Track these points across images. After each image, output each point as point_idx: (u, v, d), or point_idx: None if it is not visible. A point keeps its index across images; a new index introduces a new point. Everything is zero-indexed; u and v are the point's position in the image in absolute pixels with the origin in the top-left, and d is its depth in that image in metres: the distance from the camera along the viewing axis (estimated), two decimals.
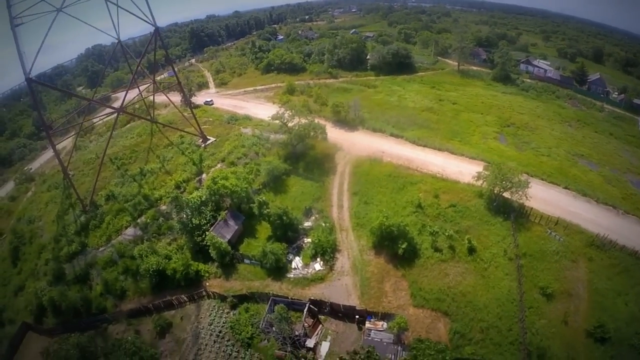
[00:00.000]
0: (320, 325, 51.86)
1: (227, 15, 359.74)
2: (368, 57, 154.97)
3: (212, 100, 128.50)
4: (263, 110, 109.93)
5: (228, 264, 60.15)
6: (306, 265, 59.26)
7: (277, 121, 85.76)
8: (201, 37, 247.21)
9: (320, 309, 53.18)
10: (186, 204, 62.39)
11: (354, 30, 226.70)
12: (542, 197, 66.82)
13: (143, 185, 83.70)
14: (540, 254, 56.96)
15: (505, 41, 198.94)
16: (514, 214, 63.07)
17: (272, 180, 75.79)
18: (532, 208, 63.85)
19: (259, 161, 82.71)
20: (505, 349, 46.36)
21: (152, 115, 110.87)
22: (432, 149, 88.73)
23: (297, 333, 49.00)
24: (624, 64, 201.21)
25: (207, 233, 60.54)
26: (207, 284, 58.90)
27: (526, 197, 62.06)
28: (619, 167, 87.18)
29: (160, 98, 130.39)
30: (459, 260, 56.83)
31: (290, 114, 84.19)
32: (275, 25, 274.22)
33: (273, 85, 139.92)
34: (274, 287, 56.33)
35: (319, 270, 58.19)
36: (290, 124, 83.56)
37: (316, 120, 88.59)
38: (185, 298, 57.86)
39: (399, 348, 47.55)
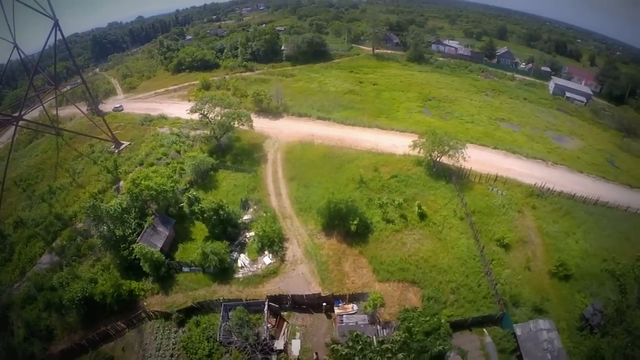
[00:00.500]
0: (285, 323, 46.01)
1: (131, 22, 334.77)
2: (283, 47, 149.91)
3: (121, 106, 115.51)
4: (178, 109, 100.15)
5: (165, 276, 51.47)
6: (254, 261, 53.04)
7: (196, 114, 77.84)
8: (104, 45, 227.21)
9: (282, 305, 47.38)
10: (106, 214, 52.58)
11: (264, 25, 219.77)
12: (476, 159, 67.30)
13: (54, 204, 71.90)
14: (488, 209, 58.12)
15: (414, 25, 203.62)
16: (455, 176, 63.69)
17: (199, 176, 68.32)
18: (470, 169, 64.62)
19: (181, 159, 74.49)
20: (480, 304, 45.52)
21: (56, 126, 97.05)
22: (361, 127, 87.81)
23: (262, 337, 42.68)
24: (527, 39, 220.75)
25: (134, 245, 51.43)
26: (145, 303, 49.79)
27: (463, 159, 62.66)
28: (538, 126, 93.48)
29: (64, 112, 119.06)
30: (412, 228, 55.69)
31: (211, 104, 76.49)
32: (183, 27, 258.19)
33: (186, 84, 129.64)
34: (223, 292, 49.25)
35: (269, 264, 52.32)
36: (211, 115, 75.88)
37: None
38: (122, 325, 48.05)
39: (378, 327, 43.39)
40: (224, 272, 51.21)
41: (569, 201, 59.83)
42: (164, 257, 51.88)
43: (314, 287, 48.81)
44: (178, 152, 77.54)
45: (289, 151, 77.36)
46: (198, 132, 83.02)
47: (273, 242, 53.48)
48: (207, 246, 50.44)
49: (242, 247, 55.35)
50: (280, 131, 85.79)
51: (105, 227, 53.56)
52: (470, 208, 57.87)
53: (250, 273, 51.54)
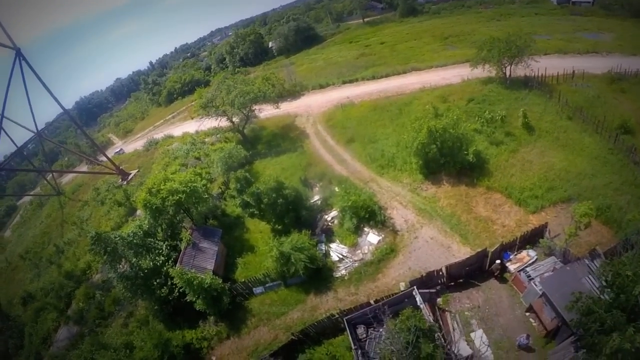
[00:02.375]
0: (448, 313, 26.39)
1: (110, 85, 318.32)
2: (271, 44, 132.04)
3: (121, 149, 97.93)
4: (184, 128, 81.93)
5: (230, 309, 31.80)
6: (353, 246, 33.45)
7: (210, 106, 58.82)
8: (90, 110, 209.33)
9: (431, 288, 27.26)
10: (122, 244, 33.13)
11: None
12: (537, 66, 50.62)
13: (62, 263, 52.71)
14: (587, 102, 44.70)
15: None
16: (534, 83, 49.98)
17: (232, 171, 48.14)
18: (543, 73, 50.98)
19: (204, 164, 55.14)
20: None
21: (56, 187, 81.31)
22: (396, 75, 68.98)
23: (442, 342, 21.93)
24: None
25: (170, 269, 32.08)
26: (214, 358, 30.34)
27: (534, 60, 50.06)
28: (565, 31, 79.78)
29: (66, 178, 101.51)
30: (527, 143, 40.33)
31: (225, 90, 57.73)
32: (162, 69, 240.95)
33: (183, 108, 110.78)
34: (328, 303, 29.70)
35: (379, 243, 32.85)
36: (231, 96, 55.99)
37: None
38: None
39: (587, 261, 23.39)
40: (316, 275, 31.41)
41: None
42: (220, 281, 32.16)
43: (458, 249, 30.22)
44: (198, 158, 58.02)
45: (330, 119, 58.15)
46: (214, 138, 64.21)
47: (373, 212, 34.06)
48: (285, 244, 30.55)
49: (328, 235, 35.66)
50: (308, 106, 66.84)
51: (127, 264, 34.07)
52: (572, 105, 43.24)
53: (356, 264, 31.91)
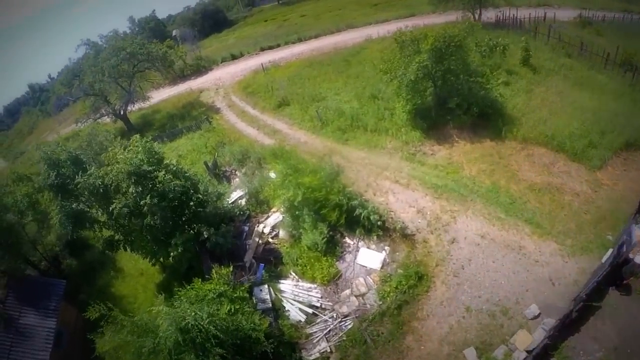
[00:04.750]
0: None
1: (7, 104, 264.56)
2: (174, 32, 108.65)
3: None
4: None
5: None
6: (333, 283, 16.64)
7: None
8: None
9: None
10: None
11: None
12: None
13: None
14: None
15: None
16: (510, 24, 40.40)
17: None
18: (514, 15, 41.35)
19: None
20: None
21: None
22: (329, 35, 52.93)
23: None
24: None
25: None
26: None
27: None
28: None
29: None
30: (537, 83, 28.66)
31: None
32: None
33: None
34: None
35: (385, 266, 16.55)
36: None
37: None
38: None
39: None
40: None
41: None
42: None
43: (537, 248, 16.54)
44: None
45: (248, 85, 40.15)
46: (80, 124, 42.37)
47: (352, 206, 17.43)
48: (180, 310, 12.26)
49: (271, 265, 18.19)
50: (217, 78, 47.83)
51: None
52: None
53: (348, 323, 14.93)
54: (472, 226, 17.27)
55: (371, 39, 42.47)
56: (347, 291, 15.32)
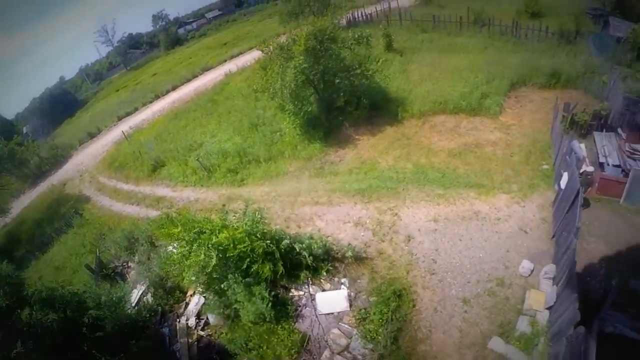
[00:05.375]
0: None
1: None
2: (25, 129, 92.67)
3: None
4: None
5: None
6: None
7: None
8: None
9: None
10: None
11: None
12: None
13: None
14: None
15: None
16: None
17: None
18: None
19: None
20: None
21: None
22: (186, 83, 50.48)
23: None
24: None
25: None
26: None
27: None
28: None
29: None
30: (407, 62, 28.89)
31: None
32: None
33: None
34: None
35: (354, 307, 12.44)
36: None
37: None
38: None
39: None
40: None
41: None
42: None
43: (510, 213, 14.75)
44: None
45: (114, 159, 33.86)
46: None
47: (290, 247, 13.40)
48: None
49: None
50: (78, 164, 40.92)
51: None
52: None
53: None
54: (418, 215, 15.02)
55: (231, 73, 40.46)
56: (326, 352, 11.56)
